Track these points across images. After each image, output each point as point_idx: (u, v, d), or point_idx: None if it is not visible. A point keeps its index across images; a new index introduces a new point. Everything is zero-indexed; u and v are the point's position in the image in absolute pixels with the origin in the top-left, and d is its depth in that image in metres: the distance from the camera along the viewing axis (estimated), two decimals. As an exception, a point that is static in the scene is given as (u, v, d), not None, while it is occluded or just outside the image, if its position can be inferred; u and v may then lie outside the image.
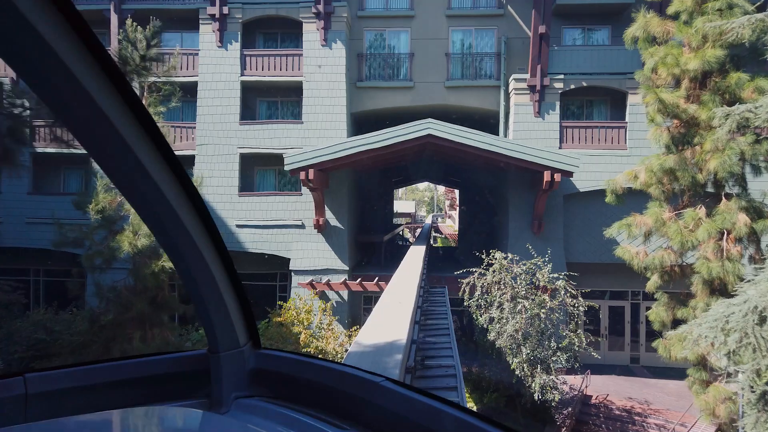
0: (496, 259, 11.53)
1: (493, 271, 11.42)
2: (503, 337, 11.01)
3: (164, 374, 1.21)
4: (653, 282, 10.44)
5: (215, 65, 15.45)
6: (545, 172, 12.91)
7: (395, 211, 47.26)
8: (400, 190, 76.24)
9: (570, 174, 13.05)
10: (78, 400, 1.08)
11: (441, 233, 45.71)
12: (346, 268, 15.09)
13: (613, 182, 10.82)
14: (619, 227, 10.58)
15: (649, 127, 10.39)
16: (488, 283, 11.59)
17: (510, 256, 11.49)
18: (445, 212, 65.21)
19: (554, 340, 11.00)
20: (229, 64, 15.43)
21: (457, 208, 46.52)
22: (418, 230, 37.43)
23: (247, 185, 15.83)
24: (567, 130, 14.95)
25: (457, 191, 33.10)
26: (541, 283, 11.15)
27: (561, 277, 11.29)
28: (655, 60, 10.22)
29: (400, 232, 34.29)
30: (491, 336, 11.34)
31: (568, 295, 11.13)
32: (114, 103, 0.74)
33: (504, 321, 11.08)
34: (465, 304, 11.86)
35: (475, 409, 11.30)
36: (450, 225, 52.68)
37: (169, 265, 9.44)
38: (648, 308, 15.87)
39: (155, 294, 9.72)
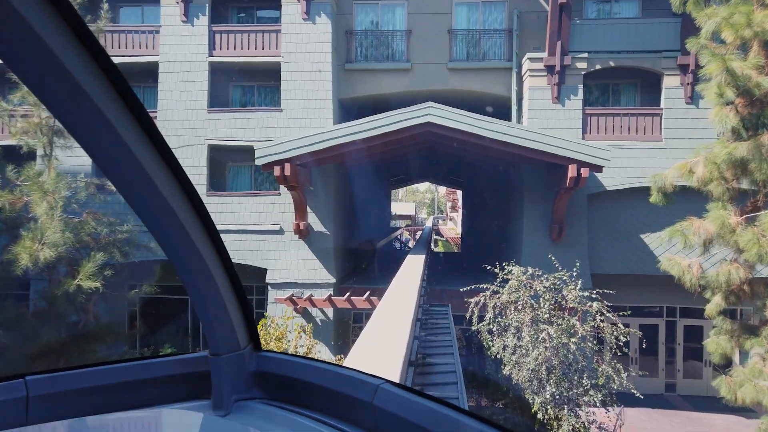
0: (512, 273, 9.30)
1: (510, 289, 9.19)
2: (522, 372, 8.78)
3: (165, 376, 1.22)
4: (715, 305, 8.20)
5: (179, 44, 13.24)
6: (569, 166, 10.69)
7: (394, 213, 45.39)
8: (400, 191, 74.60)
9: (600, 169, 10.81)
10: (79, 403, 1.08)
11: (442, 236, 43.66)
12: (333, 280, 12.87)
13: (661, 178, 8.59)
14: (671, 234, 8.33)
15: (711, 106, 8.17)
16: (503, 303, 9.37)
17: (530, 270, 9.24)
18: (446, 214, 63.09)
19: (586, 375, 8.74)
20: (195, 43, 13.23)
21: (459, 210, 44.50)
22: (419, 233, 35.86)
23: (217, 184, 13.62)
24: (591, 118, 12.72)
25: (460, 192, 30.85)
26: (569, 304, 8.92)
27: (594, 296, 9.04)
28: (716, 22, 8.01)
29: (399, 236, 32.40)
30: (506, 369, 9.11)
31: (602, 318, 8.89)
32: (113, 103, 0.73)
33: (523, 351, 8.85)
34: (473, 327, 9.63)
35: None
36: (452, 227, 50.47)
37: (93, 284, 7.25)
38: (686, 327, 13.67)
39: (77, 321, 7.49)
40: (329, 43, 13.01)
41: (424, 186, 78.16)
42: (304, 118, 13.07)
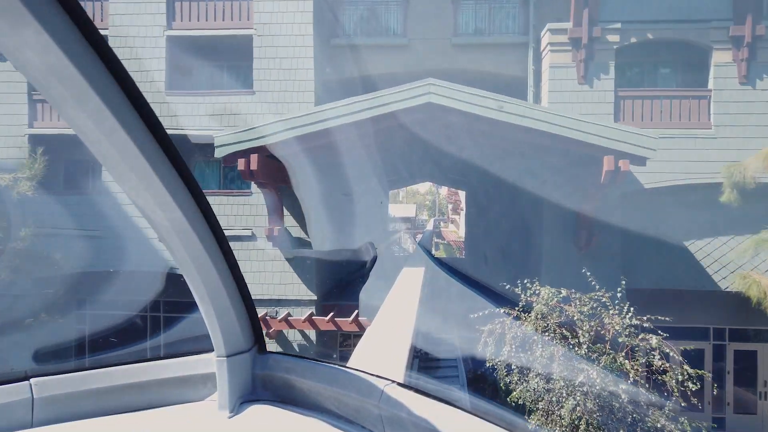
0: (538, 295, 7.14)
1: (536, 315, 7.03)
2: (556, 427, 6.63)
3: (170, 378, 1.22)
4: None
5: (131, 14, 11.12)
6: (605, 158, 8.55)
7: (393, 216, 43.41)
8: (400, 193, 72.80)
9: (643, 161, 8.66)
10: (84, 404, 1.10)
11: (443, 239, 41.61)
12: (313, 297, 10.73)
13: (739, 170, 6.46)
14: (756, 244, 6.20)
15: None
16: (526, 333, 7.21)
17: (564, 292, 7.05)
18: (448, 216, 61.00)
19: (640, 429, 6.58)
20: (150, 12, 11.10)
21: (461, 212, 42.40)
22: (419, 236, 33.96)
23: (177, 181, 11.49)
24: (625, 101, 10.58)
25: (463, 193, 28.69)
26: (621, 339, 6.74)
27: (646, 324, 6.86)
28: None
29: (398, 240, 30.38)
30: (534, 420, 6.96)
31: (657, 356, 6.70)
32: (119, 102, 0.73)
33: (553, 398, 6.70)
34: (488, 364, 7.47)
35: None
36: (453, 230, 48.33)
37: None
38: (737, 352, 11.50)
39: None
40: (310, 13, 10.88)
41: (424, 188, 76.45)
42: (280, 103, 10.94)
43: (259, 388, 1.22)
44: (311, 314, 10.40)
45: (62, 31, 0.60)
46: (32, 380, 1.04)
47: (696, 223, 10.02)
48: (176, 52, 11.39)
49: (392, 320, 4.82)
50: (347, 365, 1.31)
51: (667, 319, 7.08)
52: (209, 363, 1.19)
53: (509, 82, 11.47)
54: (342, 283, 13.11)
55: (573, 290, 7.17)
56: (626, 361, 6.58)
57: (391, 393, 1.02)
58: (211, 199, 10.70)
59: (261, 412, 1.15)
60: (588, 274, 7.56)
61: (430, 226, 43.30)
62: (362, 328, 10.24)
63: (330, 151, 10.01)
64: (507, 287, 7.50)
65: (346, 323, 10.15)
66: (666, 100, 10.48)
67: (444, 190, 59.76)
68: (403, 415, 0.97)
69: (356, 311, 10.51)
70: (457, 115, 8.83)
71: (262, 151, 9.07)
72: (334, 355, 11.77)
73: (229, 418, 1.13)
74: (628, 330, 6.63)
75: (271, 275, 10.73)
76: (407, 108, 8.79)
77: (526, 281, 7.50)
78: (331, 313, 10.38)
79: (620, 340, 6.60)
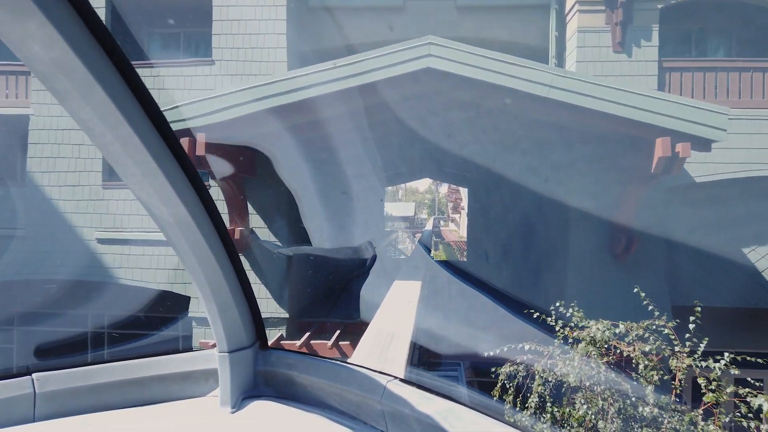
0: (575, 324, 5.09)
1: (579, 356, 4.98)
2: None
3: (172, 373, 1.21)
4: None
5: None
6: (658, 140, 6.53)
7: (390, 214, 41.64)
8: (400, 191, 71.10)
9: (707, 146, 6.62)
10: (86, 400, 1.10)
11: (443, 239, 39.67)
12: (284, 314, 8.70)
13: None
14: None
15: None
16: (559, 378, 5.17)
17: (622, 326, 4.97)
18: (448, 215, 59.04)
19: None
20: (86, -36, 9.06)
21: (462, 211, 40.46)
22: (418, 235, 32.35)
23: (119, 171, 9.45)
24: (671, 74, 8.54)
25: (465, 190, 26.61)
26: (707, 395, 4.70)
27: (724, 364, 4.83)
28: None
29: (395, 241, 28.53)
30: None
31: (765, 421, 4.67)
32: (124, 95, 0.72)
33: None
34: (509, 418, 5.45)
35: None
36: (454, 230, 46.31)
37: None
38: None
39: None
40: (282, -35, 8.84)
41: (424, 186, 74.75)
42: (246, 74, 8.90)
43: (261, 384, 1.22)
44: (281, 336, 8.39)
45: (67, 24, 0.60)
46: (34, 375, 1.04)
47: (764, 225, 8.02)
48: (122, 18, 9.32)
49: (378, 348, 3.60)
50: (349, 361, 1.30)
51: (757, 361, 5.03)
52: (211, 359, 1.19)
53: (525, 51, 9.41)
54: (322, 296, 11.03)
55: (631, 323, 5.12)
56: (712, 427, 4.56)
57: (393, 389, 1.03)
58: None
59: (263, 408, 1.16)
60: (642, 294, 5.52)
61: (429, 226, 41.51)
62: (344, 355, 8.25)
63: (304, 131, 7.97)
64: (535, 315, 5.46)
65: (323, 347, 8.14)
66: (723, 72, 8.43)
67: (443, 190, 57.93)
68: (406, 411, 0.97)
69: (339, 330, 8.53)
70: (463, 83, 6.79)
71: (213, 130, 7.04)
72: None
73: (231, 413, 1.13)
74: (715, 382, 4.59)
75: (232, 288, 8.70)
76: (400, 76, 6.76)
77: (559, 305, 5.47)
78: (308, 333, 8.38)
79: (705, 396, 4.56)
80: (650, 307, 5.35)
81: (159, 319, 9.24)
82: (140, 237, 8.87)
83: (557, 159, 8.27)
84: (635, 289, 5.65)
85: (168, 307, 9.23)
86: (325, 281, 11.55)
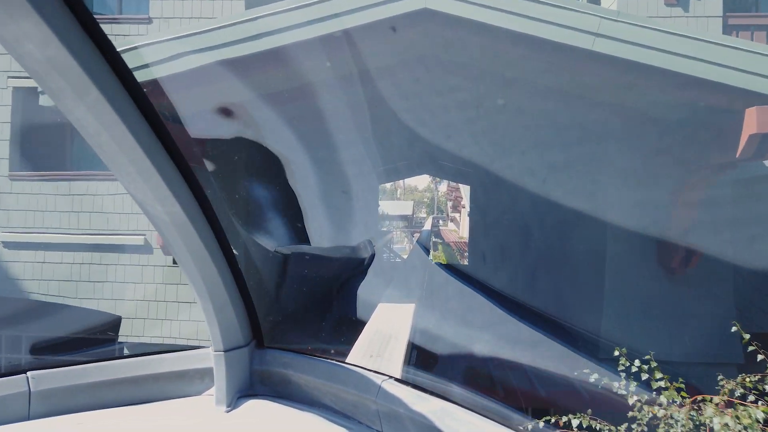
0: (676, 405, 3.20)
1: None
2: None
3: (168, 372, 1.20)
4: None
5: None
6: (748, 110, 4.65)
7: (386, 213, 40.03)
8: (397, 189, 69.39)
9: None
10: (82, 398, 1.09)
11: (442, 239, 37.91)
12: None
13: None
14: None
15: None
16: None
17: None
18: (447, 214, 57.37)
19: None
20: None
21: (462, 210, 38.68)
22: (416, 235, 30.35)
23: (34, 157, 7.44)
24: (740, 33, 6.64)
25: (468, 187, 24.74)
26: None
27: None
28: None
29: (391, 242, 26.77)
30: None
31: None
32: (118, 94, 0.72)
33: None
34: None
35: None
36: (453, 230, 44.51)
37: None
38: None
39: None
40: None
41: (423, 184, 73.03)
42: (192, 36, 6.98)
43: (257, 383, 1.21)
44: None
45: (62, 23, 0.60)
46: (29, 373, 1.04)
47: None
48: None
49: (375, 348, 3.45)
50: (345, 361, 1.28)
51: None
52: (207, 357, 1.18)
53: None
54: (294, 318, 9.06)
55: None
56: None
57: (388, 388, 1.04)
58: (83, 185, 6.76)
59: (258, 407, 1.15)
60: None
61: (428, 226, 39.88)
62: (340, 355, 6.35)
63: (268, 101, 6.07)
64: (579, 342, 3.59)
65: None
66: (806, 31, 6.54)
67: (443, 188, 56.25)
68: (401, 410, 0.98)
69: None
70: (472, 29, 4.88)
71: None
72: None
73: (227, 412, 1.13)
74: None
75: (175, 307, 6.82)
76: (386, 19, 4.86)
77: (624, 360, 3.60)
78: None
79: None
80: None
81: (83, 343, 7.33)
82: (60, 240, 6.96)
83: (586, 140, 6.36)
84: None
85: (99, 329, 7.34)
86: (299, 302, 9.61)
